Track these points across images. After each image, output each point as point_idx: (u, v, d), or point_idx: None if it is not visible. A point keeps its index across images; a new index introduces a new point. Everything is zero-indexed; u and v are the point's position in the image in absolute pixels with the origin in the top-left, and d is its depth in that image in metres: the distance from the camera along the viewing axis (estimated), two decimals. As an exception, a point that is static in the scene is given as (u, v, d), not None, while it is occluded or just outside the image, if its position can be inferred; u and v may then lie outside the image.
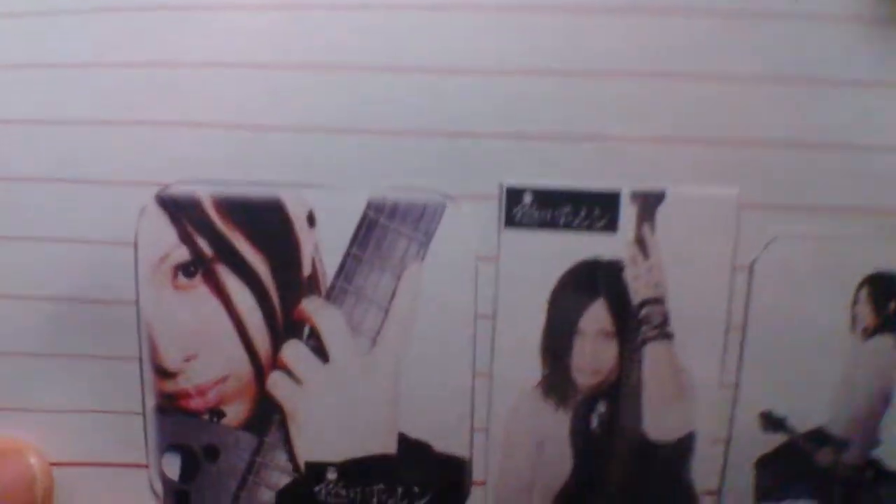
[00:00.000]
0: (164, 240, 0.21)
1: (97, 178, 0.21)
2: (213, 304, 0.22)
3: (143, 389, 0.22)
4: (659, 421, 0.22)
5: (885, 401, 0.21)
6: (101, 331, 0.22)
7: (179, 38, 0.20)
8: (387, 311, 0.21)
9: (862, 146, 0.20)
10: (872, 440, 0.22)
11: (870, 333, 0.21)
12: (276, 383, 0.22)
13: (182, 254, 0.21)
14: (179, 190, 0.21)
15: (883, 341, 0.21)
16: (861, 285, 0.21)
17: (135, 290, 0.21)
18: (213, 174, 0.21)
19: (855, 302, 0.21)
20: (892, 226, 0.20)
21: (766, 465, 0.22)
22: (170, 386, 0.22)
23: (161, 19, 0.20)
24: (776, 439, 0.22)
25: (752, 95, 0.20)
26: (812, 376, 0.21)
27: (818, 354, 0.21)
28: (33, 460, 0.22)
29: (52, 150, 0.21)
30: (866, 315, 0.21)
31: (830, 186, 0.20)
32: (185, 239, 0.21)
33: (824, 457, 0.22)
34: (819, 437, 0.22)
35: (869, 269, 0.21)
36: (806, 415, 0.21)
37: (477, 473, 0.22)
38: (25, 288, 0.22)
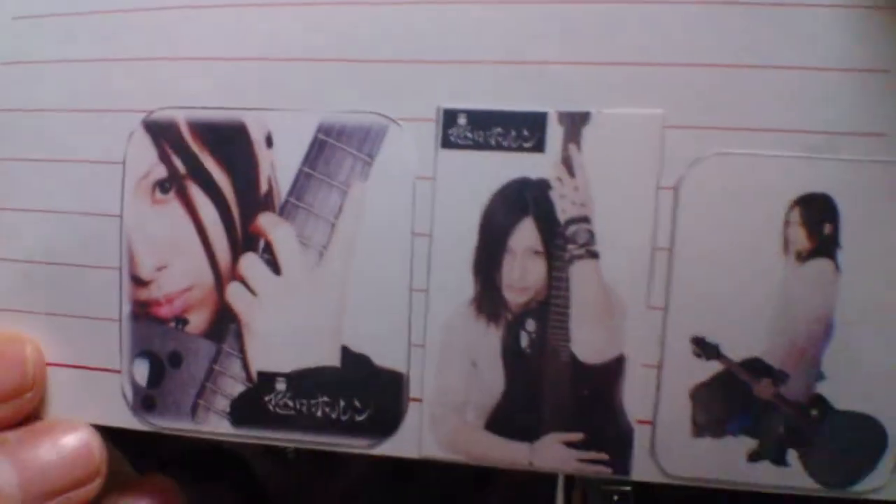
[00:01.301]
0: (147, 159, 0.24)
1: (95, 107, 0.24)
2: (184, 217, 0.24)
3: (120, 296, 0.25)
4: (587, 341, 0.22)
5: (826, 330, 0.21)
6: (87, 242, 0.25)
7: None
8: (333, 227, 0.23)
9: (787, 66, 0.20)
10: (815, 373, 0.21)
11: (805, 257, 0.21)
12: (234, 294, 0.24)
13: (160, 171, 0.24)
14: (161, 115, 0.24)
15: (819, 265, 0.21)
16: (792, 207, 0.21)
17: (119, 204, 0.24)
18: (189, 101, 0.24)
19: (786, 224, 0.21)
20: (820, 145, 0.20)
21: (702, 395, 0.21)
22: (143, 294, 0.25)
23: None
24: (711, 368, 0.21)
25: (678, 15, 0.21)
26: (745, 302, 0.21)
27: (750, 279, 0.21)
28: (28, 348, 0.24)
29: (60, 85, 0.25)
30: (800, 238, 0.21)
31: (756, 106, 0.21)
32: (164, 158, 0.24)
33: (763, 390, 0.21)
34: (757, 367, 0.21)
35: (799, 191, 0.21)
36: (741, 343, 0.21)
37: (414, 390, 0.23)
38: (27, 202, 0.25)
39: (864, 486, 0.21)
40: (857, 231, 0.20)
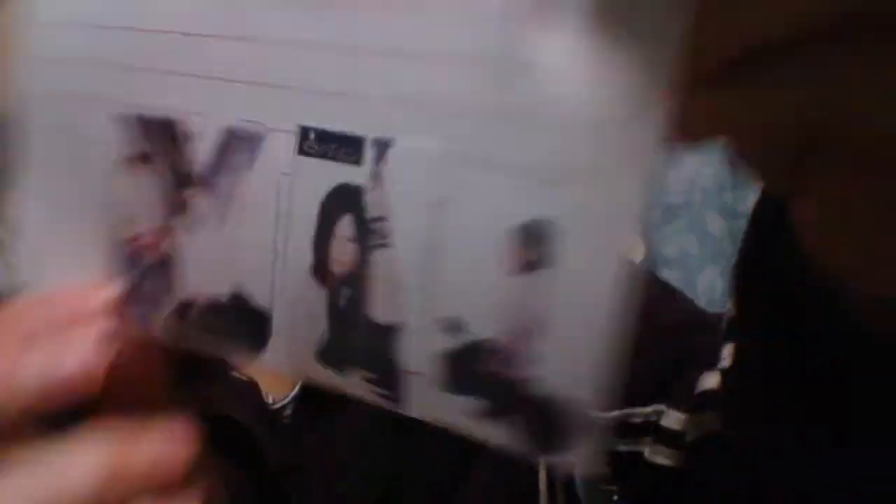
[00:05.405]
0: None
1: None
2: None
3: (110, 234, 0.36)
4: (381, 307, 0.29)
5: (541, 325, 0.26)
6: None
7: None
8: (230, 201, 0.32)
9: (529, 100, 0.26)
10: (534, 356, 0.27)
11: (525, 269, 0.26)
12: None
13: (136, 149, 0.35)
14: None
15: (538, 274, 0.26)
16: (514, 229, 0.26)
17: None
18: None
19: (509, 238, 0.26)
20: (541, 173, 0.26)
21: (449, 360, 0.28)
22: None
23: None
24: (459, 340, 0.28)
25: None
26: (484, 290, 0.27)
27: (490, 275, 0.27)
28: None
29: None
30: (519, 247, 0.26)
31: (496, 136, 0.26)
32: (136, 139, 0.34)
33: (494, 364, 0.28)
34: (490, 346, 0.28)
35: (523, 217, 0.26)
36: (481, 324, 0.28)
37: (276, 327, 0.32)
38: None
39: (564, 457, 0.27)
40: (572, 245, 0.26)
